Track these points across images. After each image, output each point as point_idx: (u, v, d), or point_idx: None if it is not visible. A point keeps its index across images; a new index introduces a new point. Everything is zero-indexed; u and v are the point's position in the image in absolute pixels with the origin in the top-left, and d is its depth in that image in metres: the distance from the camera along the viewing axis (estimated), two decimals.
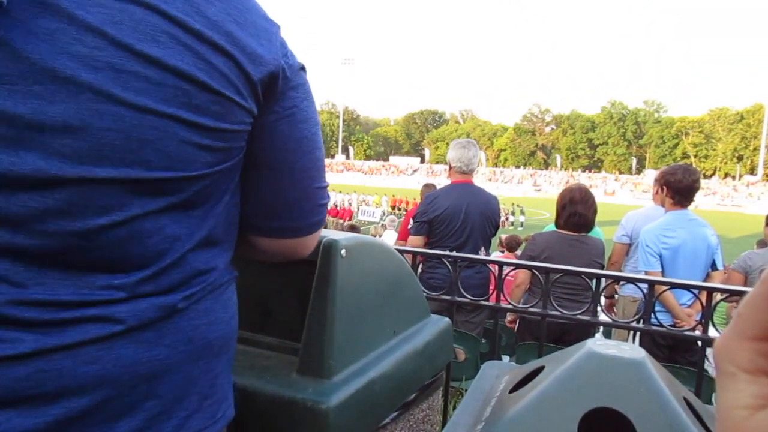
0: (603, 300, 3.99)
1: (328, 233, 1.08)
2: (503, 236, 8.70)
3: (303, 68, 0.77)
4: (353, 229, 9.17)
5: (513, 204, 29.07)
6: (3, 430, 0.54)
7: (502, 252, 8.02)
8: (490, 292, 2.46)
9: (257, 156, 0.75)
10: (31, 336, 0.56)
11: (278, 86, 0.72)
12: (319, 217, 0.85)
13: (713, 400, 2.69)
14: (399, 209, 28.71)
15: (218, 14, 0.65)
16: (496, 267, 2.19)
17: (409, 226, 3.60)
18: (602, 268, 3.21)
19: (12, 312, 0.56)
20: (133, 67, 0.58)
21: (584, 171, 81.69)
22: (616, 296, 3.90)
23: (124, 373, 0.61)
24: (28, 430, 0.55)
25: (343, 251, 1.01)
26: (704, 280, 3.17)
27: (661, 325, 1.97)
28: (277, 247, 0.85)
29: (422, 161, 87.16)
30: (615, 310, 3.89)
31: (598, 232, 3.86)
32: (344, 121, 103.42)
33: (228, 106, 0.65)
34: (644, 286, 2.00)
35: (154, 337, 0.64)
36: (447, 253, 2.38)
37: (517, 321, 3.43)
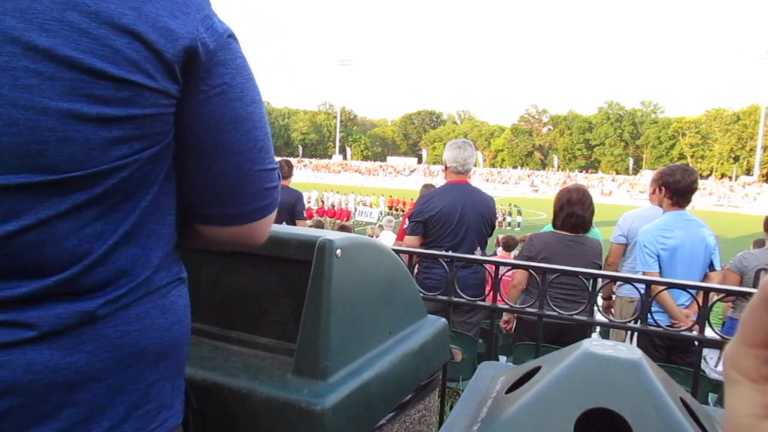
0: (601, 301, 4.02)
1: (323, 233, 1.07)
2: (500, 236, 8.71)
3: (231, 36, 0.71)
4: (344, 229, 9.16)
5: (510, 204, 29.10)
6: None
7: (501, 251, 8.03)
8: (487, 292, 2.45)
9: (189, 139, 0.69)
10: None
11: (200, 62, 0.66)
12: (265, 202, 0.77)
13: (710, 400, 2.70)
14: (397, 210, 28.72)
15: None
16: (493, 267, 2.19)
17: (405, 226, 3.59)
18: (600, 268, 3.21)
19: None
20: (20, 62, 0.54)
21: (581, 171, 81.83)
22: (614, 297, 3.91)
23: (37, 379, 0.58)
24: None
25: (338, 251, 1.00)
26: (702, 281, 3.17)
27: (658, 326, 1.96)
28: (224, 236, 0.79)
29: (420, 162, 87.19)
30: (612, 310, 3.89)
31: (597, 232, 3.86)
32: (342, 121, 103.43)
33: (136, 90, 0.60)
34: (641, 286, 2.00)
35: (72, 343, 0.61)
36: (443, 253, 2.37)
37: (514, 322, 3.43)
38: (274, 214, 0.81)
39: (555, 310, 2.06)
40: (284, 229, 1.16)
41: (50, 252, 0.59)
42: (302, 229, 1.18)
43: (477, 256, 3.30)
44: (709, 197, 55.60)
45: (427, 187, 5.37)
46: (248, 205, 0.76)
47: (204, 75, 0.67)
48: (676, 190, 3.17)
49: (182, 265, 0.78)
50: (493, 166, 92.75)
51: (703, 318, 1.90)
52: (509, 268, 2.59)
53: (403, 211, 26.05)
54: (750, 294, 1.93)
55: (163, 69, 0.62)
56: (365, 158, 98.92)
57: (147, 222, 0.67)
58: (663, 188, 3.23)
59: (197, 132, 0.69)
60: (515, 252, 8.10)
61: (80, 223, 0.60)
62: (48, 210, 0.58)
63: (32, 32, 0.54)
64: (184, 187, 0.74)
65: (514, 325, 3.45)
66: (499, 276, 2.14)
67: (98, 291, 0.63)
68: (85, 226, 0.61)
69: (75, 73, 0.56)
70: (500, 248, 7.91)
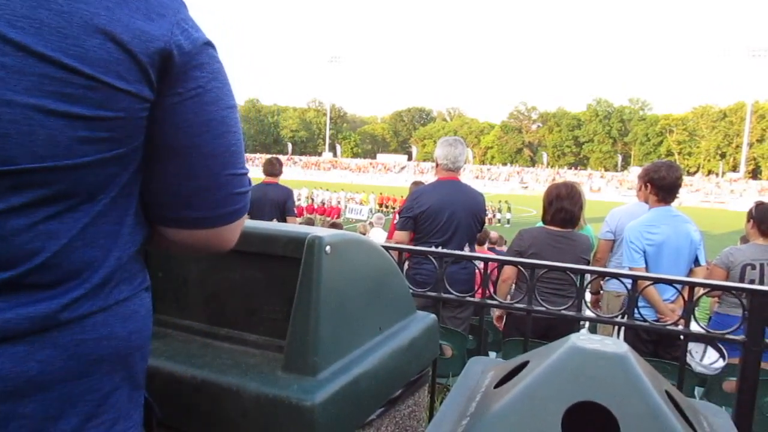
0: (589, 296, 4.05)
1: (313, 230, 1.07)
2: (492, 233, 8.77)
3: (208, 44, 0.70)
4: (335, 227, 9.14)
5: (500, 201, 29.20)
6: None
7: (492, 248, 8.09)
8: (476, 288, 2.47)
9: (161, 141, 0.68)
10: None
11: (174, 65, 0.65)
12: (235, 207, 0.76)
13: (696, 393, 2.73)
14: (386, 207, 28.72)
15: None
16: (482, 263, 2.20)
17: (395, 222, 3.60)
18: (588, 264, 3.24)
19: None
20: None
21: (570, 168, 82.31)
22: (602, 292, 3.94)
23: None
24: None
25: (327, 248, 1.01)
26: (688, 276, 3.21)
27: (644, 320, 1.99)
28: (192, 240, 0.77)
29: (409, 159, 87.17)
30: (600, 305, 3.93)
31: (589, 229, 3.89)
32: (331, 119, 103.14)
33: (108, 92, 0.59)
34: (628, 281, 2.02)
35: (24, 351, 0.58)
36: (433, 249, 2.38)
37: (504, 317, 3.44)
38: (243, 220, 0.80)
39: (543, 305, 2.07)
40: (274, 226, 1.16)
41: (0, 249, 0.57)
42: (292, 226, 1.18)
43: (466, 252, 3.32)
44: (696, 193, 56.21)
45: (416, 184, 5.38)
46: (218, 209, 0.75)
47: (180, 78, 0.66)
48: (662, 186, 3.20)
49: (146, 274, 0.76)
50: (482, 163, 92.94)
51: (688, 312, 1.92)
52: (498, 263, 2.60)
53: (393, 208, 26.05)
54: (734, 289, 1.96)
55: (137, 71, 0.61)
56: (355, 155, 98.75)
57: (105, 223, 0.66)
58: (649, 185, 3.27)
59: (170, 134, 0.68)
60: (499, 247, 8.18)
61: (33, 220, 0.58)
62: (1, 203, 0.56)
63: (1, 26, 0.54)
64: (153, 189, 0.72)
65: (504, 320, 3.47)
66: (488, 272, 2.15)
67: (50, 293, 0.61)
68: (38, 223, 0.59)
69: (44, 69, 0.55)
70: (491, 246, 7.97)
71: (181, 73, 0.66)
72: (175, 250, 0.81)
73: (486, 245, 7.85)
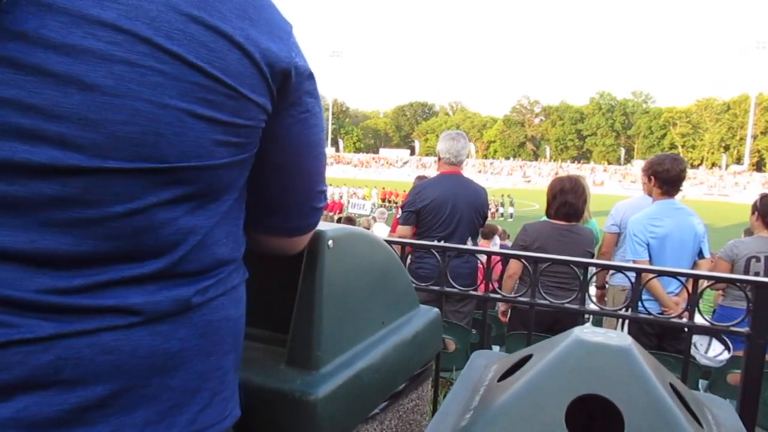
0: (594, 290, 4.05)
1: None
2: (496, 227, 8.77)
3: (313, 75, 0.78)
4: (350, 221, 9.14)
5: (502, 195, 29.15)
6: (19, 417, 0.55)
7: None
8: (479, 282, 2.47)
9: (269, 155, 0.76)
10: (49, 322, 0.57)
11: (290, 85, 0.72)
12: (315, 219, 0.88)
13: (700, 386, 2.73)
14: (389, 202, 28.72)
15: (233, 10, 0.65)
16: (485, 257, 2.19)
17: (397, 216, 3.61)
18: (592, 257, 3.23)
19: (31, 297, 0.57)
20: (148, 62, 0.59)
21: (573, 162, 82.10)
22: (607, 286, 3.93)
23: (140, 364, 0.62)
24: (46, 417, 0.56)
25: (330, 242, 1.00)
26: (692, 269, 3.20)
27: (648, 313, 1.98)
28: (271, 244, 0.87)
29: (412, 153, 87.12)
30: (606, 299, 3.92)
31: (594, 223, 3.88)
32: (334, 113, 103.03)
33: (242, 101, 0.66)
34: (632, 274, 2.01)
35: (169, 330, 0.65)
36: (435, 243, 2.38)
37: (509, 311, 3.44)
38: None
39: (546, 299, 2.07)
40: None
41: (149, 239, 0.63)
42: None
43: (469, 246, 3.31)
44: (700, 186, 56.02)
45: (420, 178, 5.37)
46: (303, 220, 0.87)
47: (293, 99, 0.74)
48: (666, 179, 3.19)
49: (245, 268, 0.82)
50: (485, 157, 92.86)
51: (692, 305, 1.92)
52: (500, 257, 2.60)
53: (395, 203, 26.04)
54: (738, 281, 1.96)
55: (264, 86, 0.69)
56: (357, 150, 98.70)
57: (228, 222, 0.73)
58: (652, 178, 3.25)
59: (280, 149, 0.76)
60: (500, 240, 8.19)
61: (176, 215, 0.64)
62: (152, 197, 0.62)
63: (160, 38, 0.59)
64: (252, 197, 0.80)
65: (509, 314, 3.47)
66: (491, 266, 2.15)
67: (190, 281, 0.67)
68: (179, 218, 0.65)
69: (194, 77, 0.61)
70: (479, 237, 7.99)
71: (294, 94, 0.74)
72: (257, 250, 0.89)
73: (495, 240, 7.86)
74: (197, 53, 0.61)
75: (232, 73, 0.64)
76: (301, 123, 0.76)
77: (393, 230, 4.62)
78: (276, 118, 0.73)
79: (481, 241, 7.74)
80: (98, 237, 0.60)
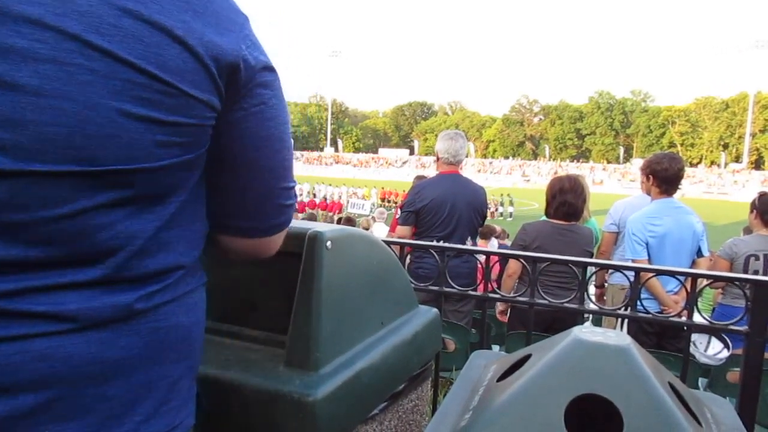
0: (594, 289, 4.05)
1: (314, 225, 1.07)
2: (495, 227, 8.77)
3: (269, 68, 0.74)
4: (350, 221, 9.14)
5: (502, 195, 29.14)
6: None
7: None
8: (478, 281, 2.47)
9: (222, 153, 0.72)
10: None
11: (240, 79, 0.69)
12: (283, 218, 0.83)
13: (700, 384, 2.73)
14: (389, 202, 28.70)
15: (174, 2, 0.62)
16: (484, 257, 2.19)
17: (397, 216, 3.61)
18: (591, 256, 3.23)
19: None
20: (77, 60, 0.56)
21: (572, 161, 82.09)
22: (606, 285, 3.93)
23: (74, 372, 0.60)
24: None
25: (328, 243, 1.00)
26: (691, 267, 3.20)
27: (647, 312, 1.98)
28: (238, 246, 0.83)
29: (411, 153, 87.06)
30: (605, 298, 3.92)
31: (593, 222, 3.88)
32: (333, 113, 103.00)
33: (183, 99, 0.63)
34: (630, 273, 2.02)
35: (109, 337, 0.62)
36: (434, 244, 2.38)
37: (508, 311, 3.44)
38: (286, 230, 0.86)
39: (545, 298, 2.07)
40: None
41: (84, 244, 0.60)
42: (293, 222, 1.18)
43: (468, 246, 3.31)
44: (699, 185, 56.04)
45: (419, 178, 5.38)
46: (267, 220, 0.81)
47: (245, 93, 0.70)
48: (664, 178, 3.19)
49: (204, 272, 0.80)
50: (484, 156, 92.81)
51: (691, 304, 1.92)
52: (499, 257, 2.60)
53: (395, 202, 26.03)
54: (737, 279, 1.96)
55: (209, 82, 0.65)
56: (357, 150, 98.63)
57: (175, 227, 0.69)
58: (651, 177, 3.25)
59: (232, 147, 0.72)
60: (496, 241, 8.20)
61: (113, 219, 0.62)
62: (86, 201, 0.59)
63: (90, 33, 0.56)
64: (212, 199, 0.77)
65: (509, 314, 3.47)
66: (490, 266, 2.15)
67: (132, 287, 0.65)
68: (117, 223, 0.62)
69: (127, 74, 0.58)
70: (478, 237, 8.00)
71: (245, 87, 0.70)
72: (224, 255, 0.86)
73: (493, 241, 7.86)
74: (131, 49, 0.58)
75: (171, 68, 0.61)
76: (254, 117, 0.72)
77: (392, 230, 4.62)
78: (227, 113, 0.69)
79: (479, 241, 7.76)
80: (28, 242, 0.57)
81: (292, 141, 0.83)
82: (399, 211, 3.61)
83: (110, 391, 0.63)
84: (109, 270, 0.62)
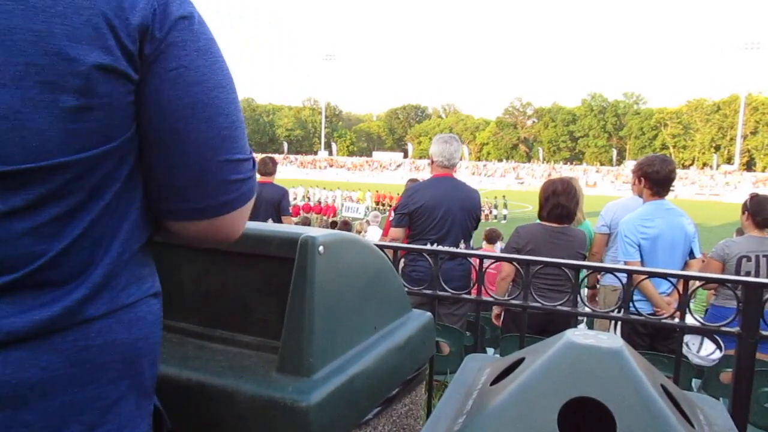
0: (586, 290, 4.06)
1: (306, 230, 1.07)
2: (486, 229, 8.79)
3: (188, 17, 0.64)
4: (346, 225, 9.14)
5: (496, 197, 29.23)
6: None
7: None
8: (472, 284, 2.48)
9: (146, 129, 0.63)
10: None
11: (155, 41, 0.60)
12: (231, 196, 0.70)
13: (693, 385, 2.74)
14: (383, 205, 28.73)
15: None
16: (477, 260, 2.20)
17: (390, 218, 3.61)
18: (584, 259, 3.24)
19: None
20: None
21: (566, 163, 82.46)
22: (598, 286, 3.95)
23: None
24: None
25: (320, 248, 1.00)
26: (683, 269, 3.21)
27: (639, 314, 1.99)
28: (191, 231, 0.73)
29: (405, 156, 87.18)
30: (597, 300, 3.93)
31: (588, 225, 3.90)
32: (327, 117, 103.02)
33: (94, 75, 0.55)
34: (623, 275, 2.02)
35: (26, 356, 0.56)
36: (428, 247, 2.38)
37: (502, 314, 3.45)
38: (245, 208, 0.74)
39: (538, 301, 2.08)
40: (266, 226, 1.16)
41: (2, 251, 0.55)
42: (285, 227, 1.18)
43: (462, 249, 3.32)
44: (691, 186, 56.40)
45: (412, 181, 5.39)
46: (211, 198, 0.69)
47: (158, 57, 0.61)
48: (656, 180, 3.21)
49: (156, 279, 0.73)
50: (478, 159, 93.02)
51: (683, 306, 1.93)
52: (493, 260, 2.61)
53: (389, 206, 26.04)
54: (728, 281, 1.97)
55: (120, 49, 0.57)
56: (351, 154, 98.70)
57: (108, 220, 0.62)
58: (643, 179, 3.27)
59: (153, 119, 0.63)
60: (500, 244, 8.23)
61: (35, 221, 0.56)
62: (1, 205, 0.54)
63: None
64: (146, 181, 0.68)
65: (503, 317, 3.47)
66: (484, 269, 2.15)
67: (52, 295, 0.58)
68: (40, 224, 0.56)
69: (29, 54, 0.52)
70: (484, 241, 8.04)
71: (160, 51, 0.61)
72: (175, 241, 0.78)
73: (498, 246, 7.90)
74: (31, 23, 0.51)
75: (78, 40, 0.53)
76: (172, 82, 0.62)
77: (385, 233, 4.62)
78: (141, 83, 0.61)
79: (485, 245, 7.79)
80: None
81: (241, 112, 0.71)
82: (392, 213, 3.61)
83: (29, 415, 0.56)
84: (25, 277, 0.56)
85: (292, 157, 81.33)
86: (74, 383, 0.59)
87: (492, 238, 7.94)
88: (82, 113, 0.56)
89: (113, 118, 0.59)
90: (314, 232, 1.04)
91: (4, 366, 0.54)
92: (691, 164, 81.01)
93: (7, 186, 0.54)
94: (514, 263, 2.22)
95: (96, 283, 0.61)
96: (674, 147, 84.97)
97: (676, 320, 1.96)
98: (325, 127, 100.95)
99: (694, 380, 2.82)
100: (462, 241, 3.49)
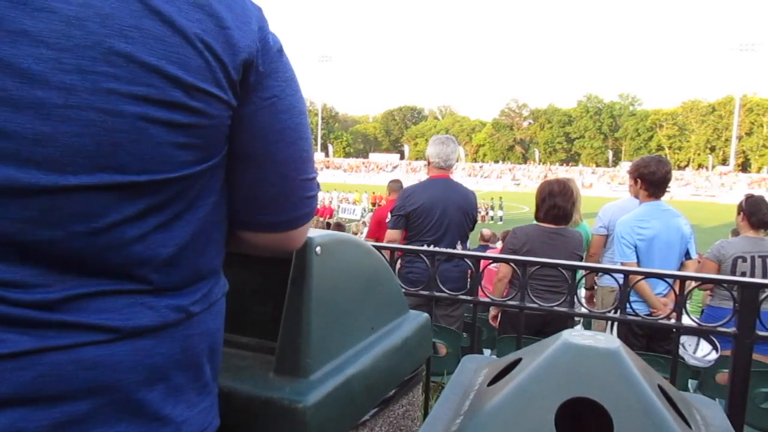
0: (583, 291, 4.07)
1: None
2: (483, 230, 8.81)
3: (281, 51, 0.73)
4: (339, 227, 9.14)
5: (492, 198, 29.26)
6: (3, 431, 0.54)
7: (486, 246, 8.16)
8: (469, 286, 2.48)
9: (238, 149, 0.72)
10: (27, 337, 0.56)
11: (254, 74, 0.68)
12: (305, 210, 0.81)
13: (690, 385, 2.75)
14: (379, 206, 28.71)
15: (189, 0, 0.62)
16: (474, 262, 2.20)
17: (387, 220, 3.61)
18: (581, 259, 3.25)
19: (8, 312, 0.56)
20: (100, 67, 0.55)
21: (562, 164, 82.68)
22: (596, 287, 3.96)
23: (122, 379, 0.62)
24: None
25: (317, 249, 1.00)
26: (679, 269, 3.23)
27: (636, 315, 1.99)
28: (264, 242, 0.82)
29: (402, 158, 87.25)
30: (594, 301, 3.94)
31: (585, 226, 3.91)
32: (323, 118, 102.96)
33: (204, 99, 0.62)
34: (619, 276, 2.03)
35: (151, 345, 0.64)
36: (425, 248, 2.38)
37: (499, 315, 3.45)
38: (311, 222, 0.85)
39: (535, 302, 2.08)
40: None
41: (118, 256, 0.61)
42: None
43: (458, 250, 3.32)
44: (687, 187, 56.63)
45: (394, 182, 5.40)
46: (290, 213, 0.79)
47: (256, 87, 0.69)
48: (652, 181, 3.22)
49: (225, 279, 0.81)
50: (474, 160, 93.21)
51: (679, 306, 1.93)
52: (489, 261, 2.61)
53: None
54: (724, 282, 1.97)
55: (227, 80, 0.64)
56: (347, 155, 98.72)
57: (206, 231, 0.70)
58: (639, 180, 3.28)
59: (246, 142, 0.71)
60: (500, 244, 8.26)
61: (144, 230, 0.62)
62: (116, 214, 0.60)
63: (113, 38, 0.56)
64: (232, 196, 0.76)
65: (500, 318, 3.47)
66: (481, 269, 2.16)
67: (168, 296, 0.66)
68: (149, 233, 0.63)
69: (150, 77, 0.58)
70: (484, 243, 8.08)
71: (258, 82, 0.69)
72: (244, 251, 0.86)
73: (498, 244, 7.93)
74: (153, 50, 0.58)
75: (192, 68, 0.60)
76: (266, 110, 0.71)
77: (369, 234, 4.61)
78: (240, 108, 0.69)
79: (491, 246, 7.81)
80: (58, 257, 0.58)
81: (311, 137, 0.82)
82: (389, 215, 3.61)
83: (153, 395, 0.65)
84: (145, 280, 0.63)
85: None
86: (182, 367, 0.68)
87: (489, 239, 7.98)
88: (192, 130, 0.62)
89: (215, 138, 0.67)
90: (311, 232, 1.04)
91: (135, 353, 0.63)
92: (687, 165, 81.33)
93: (123, 197, 0.60)
94: (511, 264, 2.22)
95: (202, 287, 0.71)
96: (670, 148, 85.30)
97: (673, 321, 1.97)
98: (322, 129, 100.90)
99: (690, 381, 2.83)
100: (459, 243, 3.50)
